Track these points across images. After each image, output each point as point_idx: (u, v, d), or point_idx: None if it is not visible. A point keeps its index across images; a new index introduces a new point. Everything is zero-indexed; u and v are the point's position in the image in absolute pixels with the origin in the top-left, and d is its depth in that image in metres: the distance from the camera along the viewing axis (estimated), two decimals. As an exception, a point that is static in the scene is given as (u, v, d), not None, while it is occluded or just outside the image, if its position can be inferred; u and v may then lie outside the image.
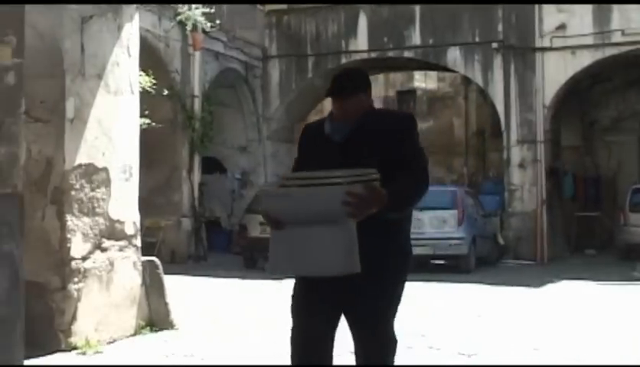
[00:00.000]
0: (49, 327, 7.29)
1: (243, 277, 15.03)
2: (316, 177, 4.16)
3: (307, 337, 4.36)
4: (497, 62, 20.91)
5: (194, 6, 18.46)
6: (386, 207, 4.13)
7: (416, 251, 4.91)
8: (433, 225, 16.86)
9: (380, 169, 4.22)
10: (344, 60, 22.11)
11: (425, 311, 10.06)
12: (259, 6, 22.40)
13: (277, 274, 4.59)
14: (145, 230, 11.14)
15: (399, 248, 4.46)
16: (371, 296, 4.32)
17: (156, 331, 8.30)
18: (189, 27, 18.72)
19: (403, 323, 4.87)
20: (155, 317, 8.43)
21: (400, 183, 4.23)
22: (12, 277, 5.89)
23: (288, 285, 4.62)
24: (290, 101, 22.99)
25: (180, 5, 18.30)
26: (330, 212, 4.05)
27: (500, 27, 20.92)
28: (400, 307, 4.47)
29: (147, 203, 10.56)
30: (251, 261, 17.30)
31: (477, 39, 21.18)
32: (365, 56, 22.08)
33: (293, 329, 4.42)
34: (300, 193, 4.16)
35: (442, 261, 17.91)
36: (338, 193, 4.02)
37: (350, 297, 4.33)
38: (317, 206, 4.09)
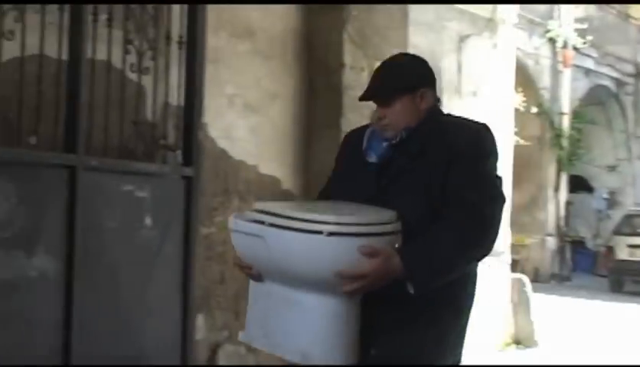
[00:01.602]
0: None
1: (608, 301, 14.50)
2: (297, 218, 2.65)
3: None
4: None
5: (564, 23, 18.19)
6: (405, 280, 2.69)
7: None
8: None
9: (426, 208, 2.84)
10: None
11: None
12: (632, 20, 21.54)
13: (252, 344, 3.00)
14: (510, 247, 11.14)
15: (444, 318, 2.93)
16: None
17: (521, 348, 8.29)
18: (559, 44, 18.47)
19: None
20: (521, 335, 8.44)
21: (431, 238, 2.74)
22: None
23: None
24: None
25: (550, 22, 18.13)
26: (313, 275, 2.65)
27: None
28: None
29: (512, 220, 10.56)
30: (617, 284, 16.66)
31: None
32: None
33: None
34: (275, 238, 2.67)
35: None
36: (326, 249, 2.61)
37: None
38: (295, 262, 2.67)
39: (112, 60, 4.57)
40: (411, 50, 6.64)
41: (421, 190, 2.85)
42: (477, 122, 3.00)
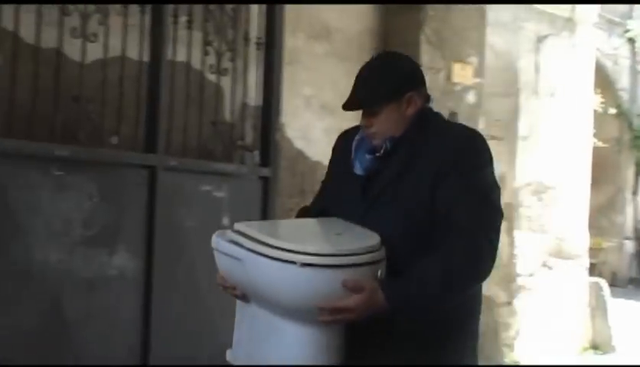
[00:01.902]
0: (494, 340, 7.45)
1: (689, 307, 14.15)
2: (272, 245, 2.48)
3: None
4: None
5: (645, 22, 17.84)
6: (391, 313, 2.46)
7: None
8: None
9: (410, 228, 2.58)
10: None
11: None
12: None
13: (236, 364, 2.86)
14: (588, 251, 10.95)
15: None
16: None
17: (599, 353, 8.15)
18: (639, 44, 18.12)
19: None
20: (598, 339, 8.29)
21: (418, 273, 2.47)
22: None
23: None
24: None
25: (629, 21, 17.80)
26: (289, 304, 2.51)
27: None
28: None
29: (590, 223, 10.39)
30: (697, 290, 16.27)
31: None
32: None
33: None
34: (251, 263, 2.53)
35: None
36: (300, 280, 2.44)
37: None
38: (271, 289, 2.53)
39: (192, 62, 4.63)
40: (488, 51, 6.59)
41: (403, 209, 2.59)
42: (468, 128, 2.73)
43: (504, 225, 7.40)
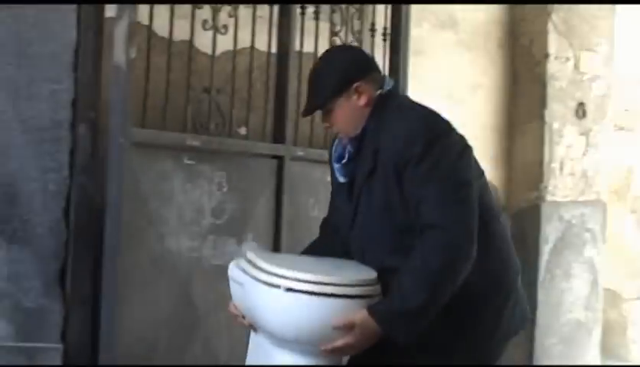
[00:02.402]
0: (621, 337, 7.26)
1: None
2: (263, 269, 2.50)
3: None
4: None
5: None
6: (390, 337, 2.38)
7: None
8: None
9: (390, 234, 2.51)
10: None
11: None
12: None
13: None
14: None
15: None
16: None
17: None
18: None
19: None
20: None
21: (397, 287, 2.38)
22: (592, 282, 5.99)
23: None
24: None
25: None
26: (278, 331, 2.49)
27: None
28: None
29: None
30: None
31: None
32: None
33: None
34: (249, 287, 2.56)
35: None
36: (284, 304, 2.42)
37: None
38: (262, 315, 2.53)
39: (319, 53, 4.64)
40: (618, 39, 6.40)
41: (381, 206, 2.49)
42: (415, 108, 2.57)
43: (633, 219, 7.12)
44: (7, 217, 3.47)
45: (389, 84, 2.64)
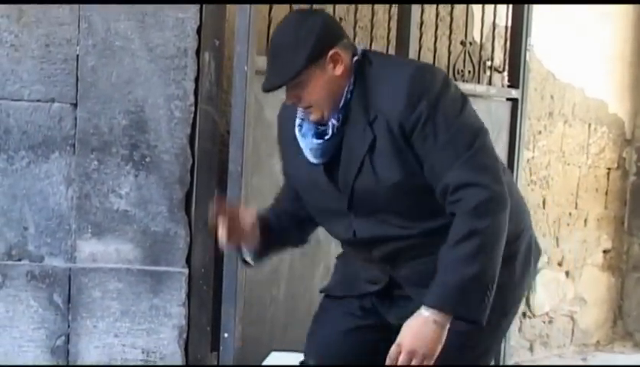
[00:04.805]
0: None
1: None
2: None
3: None
4: None
5: None
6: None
7: None
8: None
9: (411, 197, 2.25)
10: None
11: None
12: None
13: None
14: None
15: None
16: None
17: None
18: None
19: None
20: None
21: (444, 262, 2.18)
22: None
23: None
24: None
25: None
26: None
27: None
28: None
29: None
30: None
31: None
32: None
33: None
34: None
35: None
36: None
37: None
38: None
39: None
40: None
41: (392, 184, 2.22)
42: (403, 64, 2.39)
43: None
44: (135, 144, 3.56)
45: (360, 48, 2.37)
